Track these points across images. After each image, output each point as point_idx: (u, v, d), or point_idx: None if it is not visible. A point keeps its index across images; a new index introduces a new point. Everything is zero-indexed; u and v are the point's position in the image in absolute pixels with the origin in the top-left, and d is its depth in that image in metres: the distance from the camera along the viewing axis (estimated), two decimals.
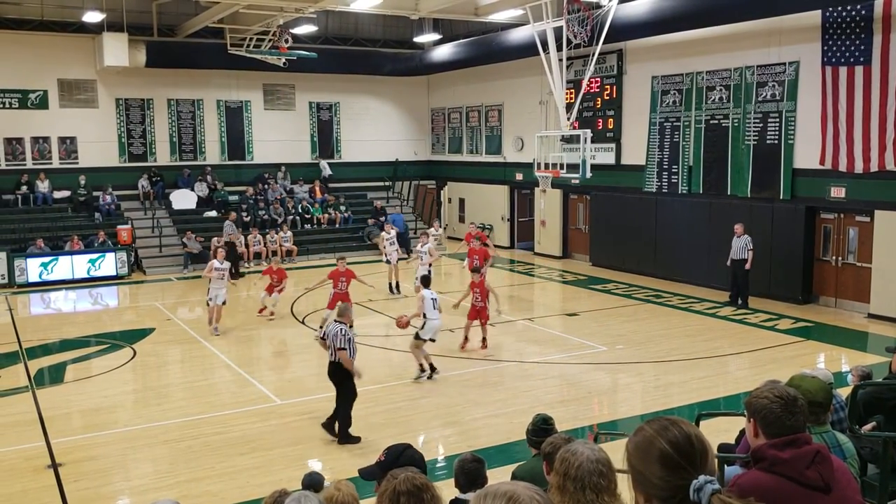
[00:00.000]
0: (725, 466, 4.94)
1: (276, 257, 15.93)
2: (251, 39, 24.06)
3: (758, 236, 17.56)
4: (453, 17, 23.75)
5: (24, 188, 24.07)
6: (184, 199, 25.82)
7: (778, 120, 17.96)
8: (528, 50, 20.62)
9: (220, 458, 9.38)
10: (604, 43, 17.60)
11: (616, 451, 2.77)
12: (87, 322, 17.60)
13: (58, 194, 24.58)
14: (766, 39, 17.96)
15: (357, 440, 9.84)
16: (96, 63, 24.48)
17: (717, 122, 19.40)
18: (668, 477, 2.18)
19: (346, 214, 27.27)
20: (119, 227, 23.43)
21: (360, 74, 28.43)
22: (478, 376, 12.77)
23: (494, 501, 1.91)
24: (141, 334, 15.89)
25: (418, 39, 28.33)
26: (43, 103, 24.46)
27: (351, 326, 10.54)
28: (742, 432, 6.21)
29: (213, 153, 27.25)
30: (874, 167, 16.13)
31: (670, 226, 20.78)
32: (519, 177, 26.41)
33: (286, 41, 23.38)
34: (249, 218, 24.97)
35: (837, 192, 16.98)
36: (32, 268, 21.48)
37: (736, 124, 18.89)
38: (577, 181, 18.97)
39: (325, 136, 29.16)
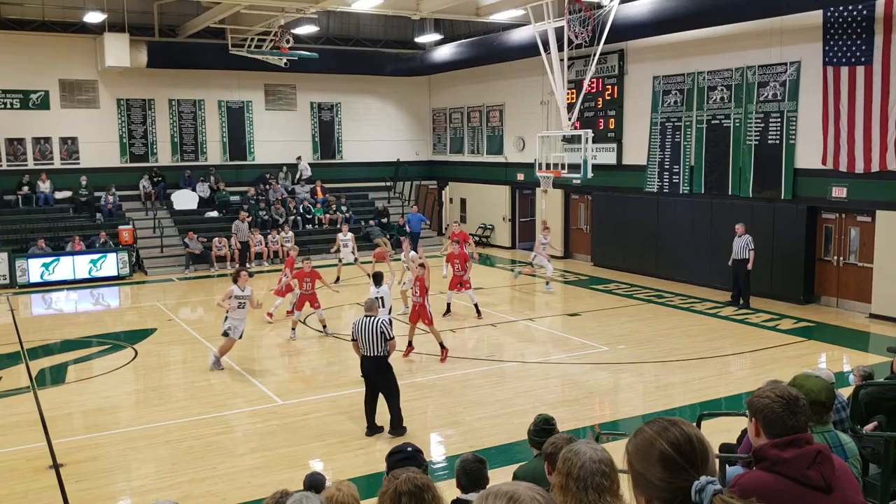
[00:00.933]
0: (727, 466, 4.93)
1: (307, 260, 15.43)
2: (252, 40, 24.08)
3: (759, 236, 17.56)
4: (454, 17, 23.76)
5: (26, 188, 24.08)
6: (185, 200, 25.84)
7: (779, 120, 17.95)
8: (529, 50, 20.63)
9: (221, 458, 9.39)
10: (605, 43, 17.61)
11: (617, 452, 2.77)
12: (88, 322, 17.60)
13: (59, 195, 24.59)
14: (767, 39, 17.95)
15: (405, 430, 10.00)
16: (97, 63, 24.50)
17: (718, 122, 19.39)
18: (669, 478, 2.17)
19: (347, 215, 27.26)
20: (120, 227, 23.45)
21: (361, 75, 28.44)
22: (479, 377, 12.76)
23: (496, 501, 1.91)
24: (142, 335, 15.89)
25: (419, 40, 28.33)
26: (44, 104, 24.48)
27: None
28: (744, 432, 6.22)
29: (214, 153, 27.26)
30: (875, 167, 16.12)
31: (672, 226, 20.77)
32: (520, 177, 26.41)
33: (287, 41, 23.39)
34: (251, 218, 24.98)
35: (839, 192, 16.97)
36: (34, 268, 21.50)
37: (737, 124, 18.88)
38: (579, 181, 18.97)
39: (326, 137, 29.17)
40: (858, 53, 16.15)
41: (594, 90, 22.64)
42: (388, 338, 9.97)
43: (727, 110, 19.12)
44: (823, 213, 17.76)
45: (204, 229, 24.30)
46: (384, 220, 27.01)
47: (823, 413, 3.91)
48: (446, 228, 30.08)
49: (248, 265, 22.86)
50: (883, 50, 15.71)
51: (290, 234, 24.92)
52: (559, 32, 18.15)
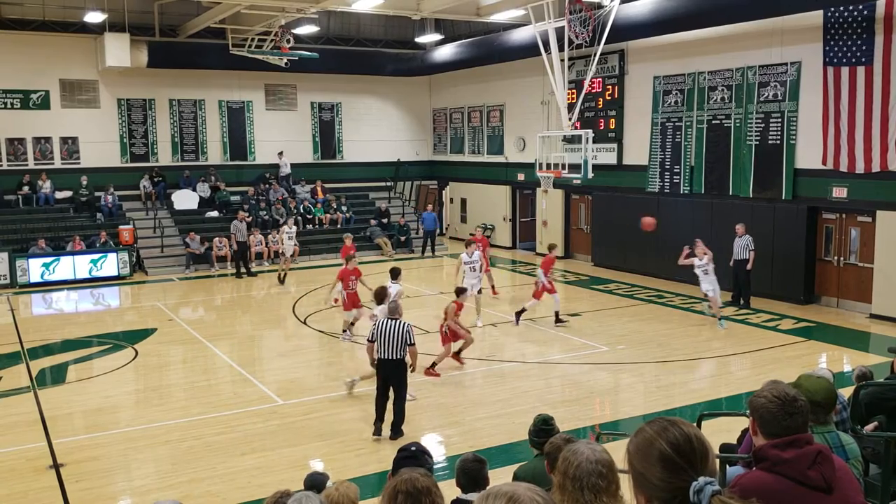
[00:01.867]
0: (727, 466, 4.93)
1: (354, 259, 15.27)
2: (253, 40, 24.08)
3: (760, 236, 17.55)
4: (455, 17, 23.76)
5: (26, 188, 24.09)
6: (185, 200, 25.84)
7: (780, 120, 17.94)
8: (529, 50, 20.62)
9: (221, 458, 9.38)
10: (605, 43, 17.59)
11: (617, 452, 2.77)
12: (88, 322, 17.61)
13: (59, 194, 24.59)
14: (767, 39, 17.94)
15: (402, 433, 9.97)
16: (98, 63, 24.51)
17: (718, 122, 19.39)
18: (668, 478, 2.17)
19: (347, 215, 27.28)
20: (121, 227, 23.46)
21: (361, 75, 28.44)
22: (479, 377, 12.77)
23: (496, 502, 1.91)
24: (143, 335, 15.89)
25: (420, 40, 28.33)
26: (45, 104, 24.49)
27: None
28: (744, 432, 6.22)
29: (214, 153, 27.27)
30: (876, 167, 16.12)
31: (672, 226, 20.74)
32: (521, 177, 26.41)
33: (288, 41, 23.38)
34: (252, 218, 24.97)
35: (839, 193, 16.97)
36: (34, 268, 21.50)
37: (738, 124, 18.88)
38: (579, 181, 18.96)
39: (326, 137, 29.17)
40: (859, 54, 16.14)
41: (595, 90, 22.64)
42: (409, 343, 9.92)
43: (728, 110, 19.12)
44: (824, 214, 17.76)
45: (204, 229, 24.30)
46: (385, 221, 27.02)
47: (821, 414, 3.90)
48: (447, 228, 30.13)
49: (250, 265, 22.85)
50: (883, 50, 15.70)
51: (294, 228, 24.55)
52: (560, 32, 18.14)
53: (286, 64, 24.33)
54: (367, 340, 10.23)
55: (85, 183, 24.59)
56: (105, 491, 8.68)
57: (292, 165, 28.08)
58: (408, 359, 10.08)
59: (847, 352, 14.21)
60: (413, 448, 5.07)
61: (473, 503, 3.21)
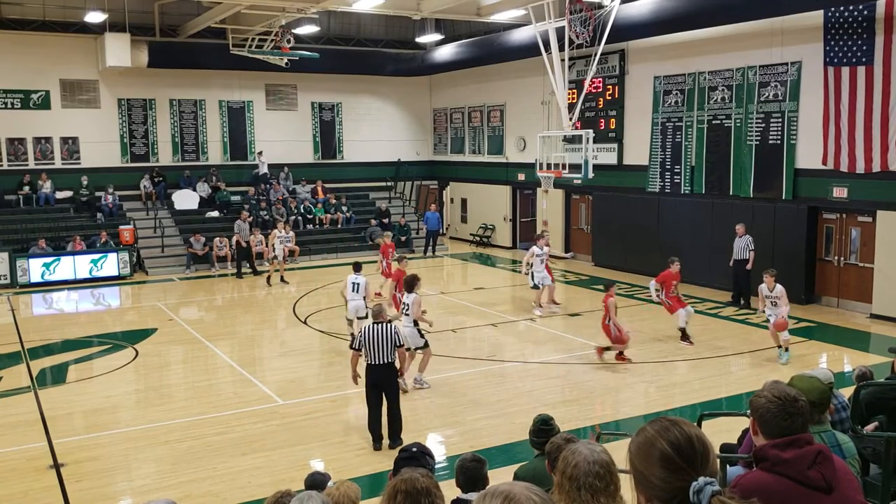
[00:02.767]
0: (728, 466, 4.93)
1: (404, 259, 15.28)
2: (253, 40, 24.09)
3: (760, 236, 17.56)
4: (455, 17, 23.76)
5: (27, 188, 24.10)
6: (186, 200, 25.84)
7: (780, 120, 17.94)
8: (530, 50, 20.62)
9: (222, 458, 9.38)
10: (606, 43, 17.58)
11: (617, 452, 2.77)
12: (89, 322, 17.62)
13: (60, 194, 24.61)
14: (768, 39, 17.94)
15: (402, 441, 9.62)
16: (98, 63, 24.51)
17: (719, 122, 19.38)
18: (669, 478, 2.17)
19: (347, 215, 27.28)
20: (121, 227, 23.47)
21: (362, 75, 28.45)
22: (479, 376, 12.76)
23: (493, 501, 1.92)
24: (143, 335, 15.89)
25: (420, 40, 28.33)
26: (45, 104, 24.50)
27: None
28: (744, 432, 6.22)
29: (215, 153, 27.28)
30: (876, 167, 16.12)
31: (672, 226, 20.76)
32: (521, 177, 26.41)
33: (288, 41, 23.39)
34: (252, 218, 24.98)
35: (840, 193, 16.97)
36: (35, 268, 21.51)
37: (738, 124, 18.87)
38: (580, 181, 18.95)
39: (327, 137, 29.18)
40: (859, 53, 16.14)
41: (595, 90, 22.63)
42: (398, 345, 9.84)
43: (728, 110, 19.11)
44: (824, 214, 17.76)
45: (205, 229, 24.30)
46: (385, 221, 27.02)
47: (814, 413, 3.92)
48: (447, 228, 30.12)
49: (255, 265, 22.83)
50: (884, 50, 15.70)
51: (291, 233, 24.86)
52: (560, 32, 18.13)
53: (286, 64, 24.34)
54: (351, 348, 10.06)
55: (85, 183, 24.60)
56: (105, 491, 8.68)
57: (293, 166, 28.09)
58: (397, 363, 10.00)
59: (847, 352, 14.21)
60: (414, 449, 5.08)
61: (472, 503, 3.22)
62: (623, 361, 13.29)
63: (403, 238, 26.53)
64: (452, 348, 14.27)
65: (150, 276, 22.83)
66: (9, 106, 24.05)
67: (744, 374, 12.75)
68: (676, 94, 20.45)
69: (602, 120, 22.80)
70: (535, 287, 17.22)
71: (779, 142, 18.00)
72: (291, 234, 24.82)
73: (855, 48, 16.21)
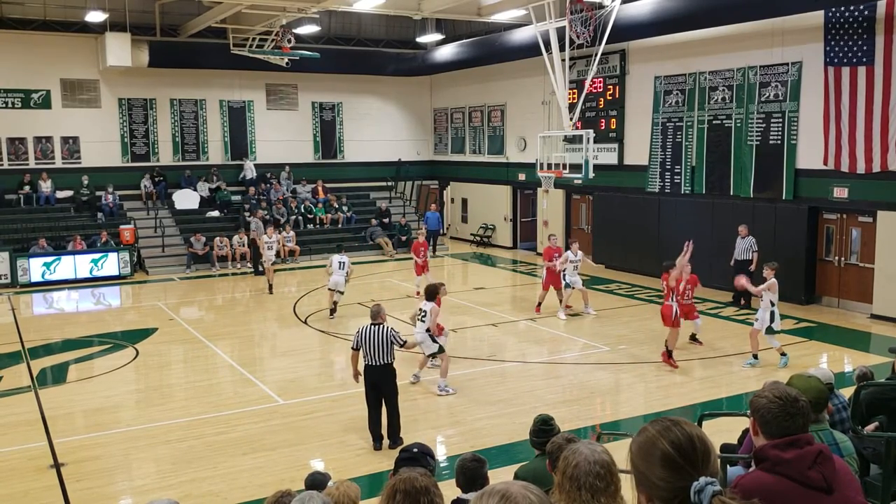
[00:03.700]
0: (728, 467, 4.93)
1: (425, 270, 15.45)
2: (254, 39, 24.09)
3: (760, 237, 17.54)
4: (456, 17, 23.76)
5: (27, 188, 24.10)
6: (186, 199, 25.85)
7: (781, 120, 17.94)
8: (530, 50, 20.63)
9: (222, 458, 9.39)
10: (606, 43, 17.58)
11: (618, 452, 2.78)
12: (89, 322, 17.61)
13: (60, 194, 24.61)
14: (768, 40, 17.94)
15: (402, 441, 9.60)
16: (99, 63, 24.52)
17: (719, 122, 19.38)
18: (670, 478, 2.17)
19: (348, 214, 27.28)
20: (122, 226, 23.48)
21: (362, 74, 28.46)
22: (480, 376, 12.76)
23: (490, 500, 1.92)
24: (143, 334, 15.90)
25: (421, 39, 28.33)
26: (46, 103, 24.50)
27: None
28: (744, 432, 6.22)
29: (215, 153, 27.28)
30: (877, 167, 16.11)
31: (673, 226, 20.74)
32: (521, 177, 26.40)
33: (289, 41, 23.39)
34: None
35: (840, 193, 16.96)
36: (35, 268, 21.51)
37: (739, 124, 18.87)
38: (580, 181, 18.95)
39: (327, 137, 29.18)
40: (860, 54, 16.14)
41: (596, 90, 22.63)
42: (400, 344, 9.89)
43: (728, 110, 19.11)
44: (825, 214, 17.75)
45: (205, 229, 24.32)
46: (385, 221, 27.02)
47: (812, 412, 3.93)
48: (447, 228, 30.12)
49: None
50: (884, 50, 15.70)
51: (292, 233, 24.92)
52: (561, 32, 18.13)
53: (287, 64, 24.34)
54: (352, 349, 10.06)
55: (86, 182, 24.60)
56: (106, 490, 8.68)
57: (293, 165, 28.09)
58: (395, 364, 9.96)
59: (848, 352, 14.21)
60: (415, 450, 5.08)
61: (471, 502, 3.22)
62: (669, 363, 12.98)
63: (404, 238, 26.53)
64: (453, 348, 14.25)
65: (151, 276, 22.83)
66: (9, 105, 24.05)
67: (744, 375, 12.74)
68: (677, 94, 20.45)
69: (602, 120, 22.80)
70: (568, 287, 16.87)
71: (779, 142, 17.99)
72: (292, 234, 24.88)
73: (855, 48, 16.21)
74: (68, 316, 18.74)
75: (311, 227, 26.52)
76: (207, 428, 10.43)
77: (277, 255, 23.00)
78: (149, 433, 10.29)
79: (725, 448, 6.25)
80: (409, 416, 10.25)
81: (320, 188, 27.96)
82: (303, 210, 26.67)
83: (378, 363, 9.66)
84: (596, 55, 17.72)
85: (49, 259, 21.67)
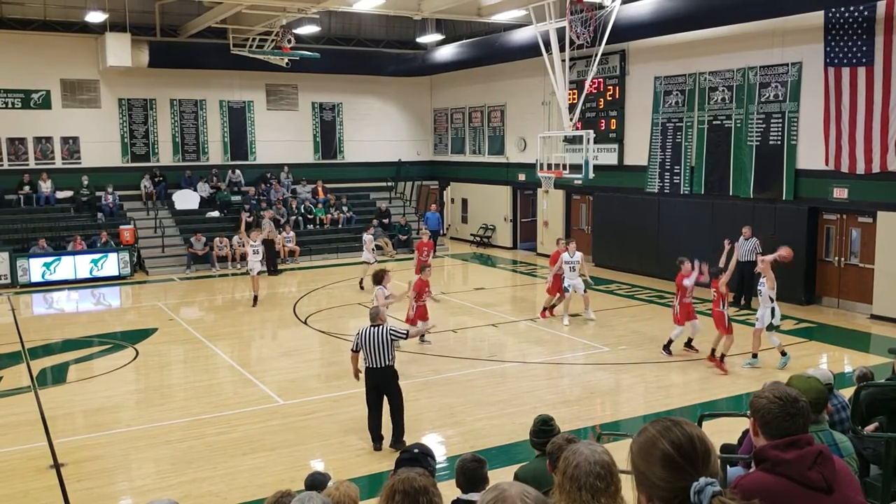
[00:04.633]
0: (728, 467, 4.93)
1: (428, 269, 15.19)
2: (254, 40, 24.10)
3: (760, 237, 17.53)
4: (456, 17, 23.76)
5: (27, 188, 24.10)
6: (186, 200, 25.85)
7: (781, 120, 17.94)
8: (530, 50, 20.63)
9: (222, 458, 9.39)
10: (607, 43, 17.58)
11: (618, 452, 2.78)
12: (89, 322, 17.61)
13: (60, 194, 24.60)
14: (768, 40, 17.94)
15: (404, 443, 9.47)
16: (99, 63, 24.52)
17: (719, 122, 19.38)
18: (670, 478, 2.18)
19: (348, 215, 27.28)
20: (122, 227, 23.48)
21: (362, 75, 28.46)
22: (480, 377, 12.77)
23: (485, 496, 1.93)
24: (143, 334, 15.90)
25: (421, 40, 28.33)
26: (46, 103, 24.50)
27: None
28: (744, 433, 6.22)
29: (215, 153, 27.28)
30: (876, 168, 16.12)
31: (673, 226, 20.75)
32: (521, 177, 26.41)
33: (289, 41, 23.39)
34: (252, 219, 24.97)
35: (840, 193, 16.97)
36: (35, 268, 21.51)
37: (738, 125, 18.87)
38: (580, 182, 18.95)
39: (327, 137, 29.18)
40: (860, 54, 16.14)
41: (596, 91, 22.63)
42: (403, 336, 9.98)
43: (728, 111, 19.11)
44: (825, 214, 17.76)
45: (205, 229, 24.32)
46: (385, 221, 27.02)
47: (811, 413, 3.93)
48: (447, 229, 30.12)
49: (275, 263, 22.80)
50: (884, 50, 15.70)
51: (292, 234, 24.93)
52: (561, 33, 18.13)
53: (287, 64, 24.35)
54: (352, 350, 10.00)
55: (86, 183, 24.60)
56: (106, 490, 8.68)
57: (293, 166, 28.09)
58: (396, 365, 9.91)
59: (848, 352, 14.21)
60: (416, 450, 5.07)
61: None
62: (716, 363, 12.86)
63: (404, 238, 26.54)
64: (453, 348, 14.27)
65: (151, 276, 22.83)
66: (9, 106, 24.05)
67: (744, 375, 12.75)
68: (677, 94, 20.45)
69: (602, 120, 22.80)
70: (566, 290, 16.28)
71: (779, 142, 17.99)
72: (292, 234, 24.89)
73: (855, 49, 16.21)
74: (68, 316, 18.74)
75: (311, 227, 26.52)
76: (207, 428, 10.43)
77: (277, 255, 23.02)
78: (149, 433, 10.29)
79: (725, 448, 6.25)
80: (410, 416, 10.23)
81: (320, 188, 27.96)
82: (303, 210, 26.67)
83: (379, 365, 9.61)
84: (596, 55, 17.72)
85: (49, 259, 21.67)
